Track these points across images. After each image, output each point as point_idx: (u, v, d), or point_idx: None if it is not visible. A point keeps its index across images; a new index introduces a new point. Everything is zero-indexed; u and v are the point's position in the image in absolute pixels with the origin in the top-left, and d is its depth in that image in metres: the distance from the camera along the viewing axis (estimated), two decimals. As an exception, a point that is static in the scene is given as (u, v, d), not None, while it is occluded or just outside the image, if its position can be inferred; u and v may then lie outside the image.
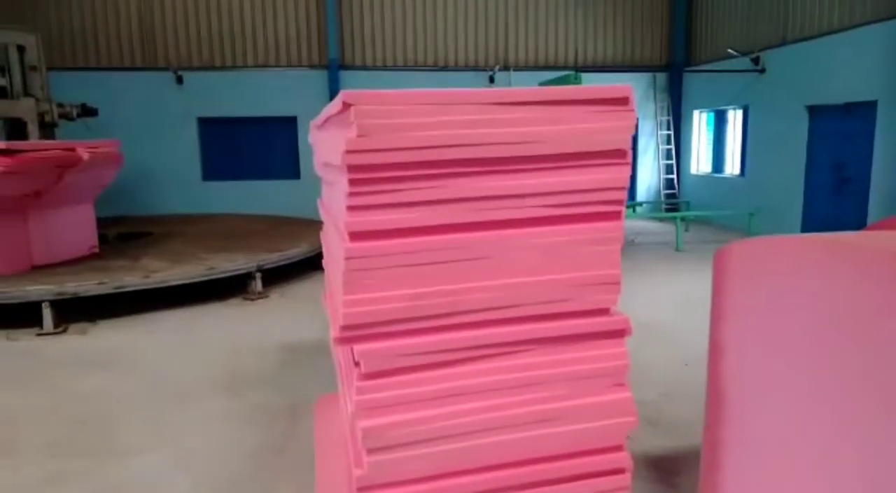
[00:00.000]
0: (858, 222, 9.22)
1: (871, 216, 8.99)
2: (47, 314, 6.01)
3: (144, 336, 6.00)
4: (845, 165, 9.60)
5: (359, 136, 2.05)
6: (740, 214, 11.12)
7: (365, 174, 2.09)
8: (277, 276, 7.93)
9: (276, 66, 13.88)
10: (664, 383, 4.57)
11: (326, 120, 2.82)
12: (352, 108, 2.05)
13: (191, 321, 6.48)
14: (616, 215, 2.38)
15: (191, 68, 13.68)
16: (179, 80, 13.57)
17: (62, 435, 3.86)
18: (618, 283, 2.39)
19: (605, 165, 2.31)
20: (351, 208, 2.12)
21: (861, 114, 9.16)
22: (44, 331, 6.02)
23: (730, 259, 2.46)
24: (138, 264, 7.09)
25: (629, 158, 2.35)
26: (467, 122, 2.14)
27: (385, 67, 14.01)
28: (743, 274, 2.41)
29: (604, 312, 2.41)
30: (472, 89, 2.15)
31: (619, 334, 2.43)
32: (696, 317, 6.72)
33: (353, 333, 2.20)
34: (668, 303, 6.95)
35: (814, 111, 10.16)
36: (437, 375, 2.26)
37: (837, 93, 9.52)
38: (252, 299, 7.17)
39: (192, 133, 13.77)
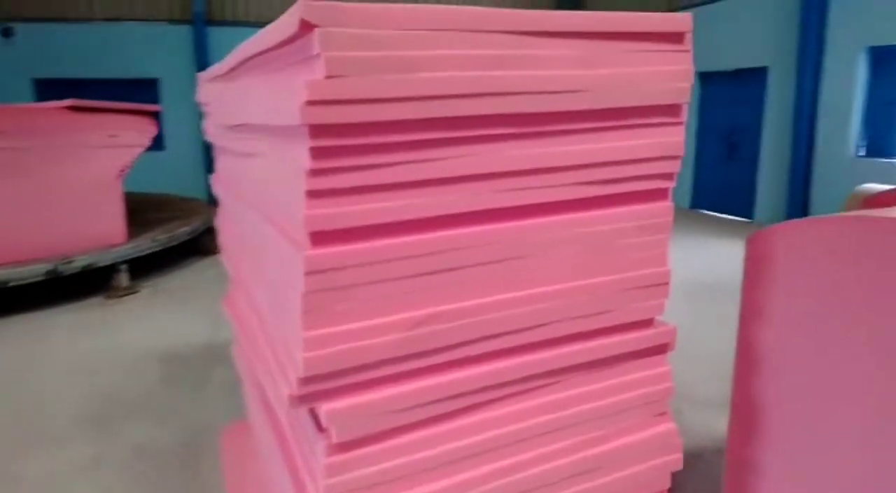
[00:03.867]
0: (748, 189, 9.47)
1: (761, 182, 9.25)
2: None
3: (-27, 354, 4.71)
4: (735, 131, 9.81)
5: (328, 77, 1.26)
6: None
7: (335, 139, 1.31)
8: (146, 267, 6.70)
9: (130, 20, 12.01)
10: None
11: (241, 64, 1.95)
12: (315, 31, 1.25)
13: (39, 331, 5.20)
14: (664, 194, 1.77)
15: (23, 19, 11.50)
16: (8, 33, 11.36)
17: None
18: (667, 283, 1.80)
19: (656, 126, 1.69)
20: (312, 195, 1.34)
21: (752, 80, 9.33)
22: None
23: (768, 246, 1.97)
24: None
25: (684, 116, 1.74)
26: (489, 59, 1.41)
27: (261, 24, 12.56)
28: (786, 263, 1.93)
29: (647, 323, 1.81)
30: (499, 9, 1.42)
31: (662, 349, 1.85)
32: None
33: (318, 387, 1.43)
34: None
35: (705, 78, 10.28)
36: (443, 431, 1.55)
37: (728, 60, 9.65)
38: (118, 297, 5.95)
39: (26, 98, 11.65)
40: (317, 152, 1.30)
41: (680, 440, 1.90)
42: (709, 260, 7.27)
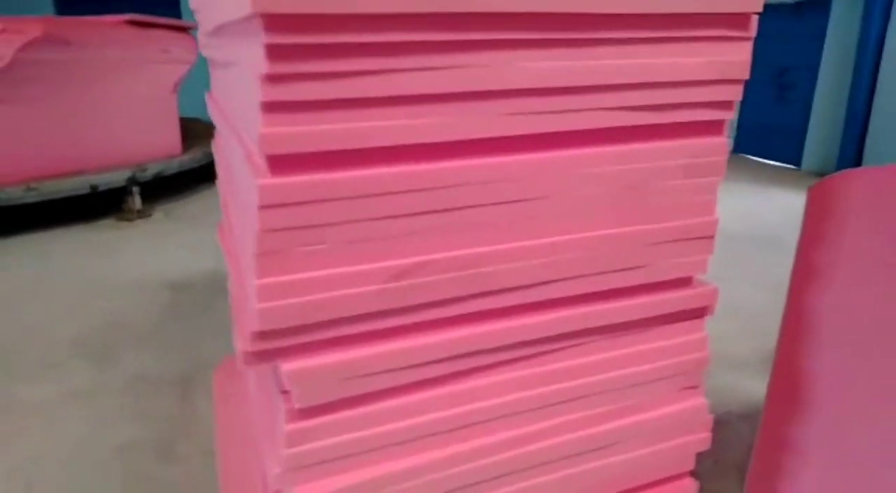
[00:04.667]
0: (798, 134, 8.86)
1: (813, 128, 8.62)
2: None
3: (-20, 272, 4.63)
4: (789, 70, 9.09)
5: (285, -55, 0.95)
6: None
7: (297, 36, 1.01)
8: (160, 190, 6.52)
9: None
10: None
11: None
12: None
13: (47, 250, 5.09)
14: (718, 128, 1.44)
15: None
16: (25, -59, 10.92)
17: None
18: (713, 235, 1.49)
19: (717, 41, 1.34)
20: (270, 108, 1.05)
21: (813, 14, 8.55)
22: None
23: (834, 196, 1.66)
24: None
25: (753, 30, 1.39)
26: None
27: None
28: (857, 216, 1.62)
29: (686, 282, 1.52)
30: None
31: (701, 312, 1.57)
32: None
33: (276, 343, 1.18)
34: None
35: (762, 10, 9.46)
36: (429, 398, 1.31)
37: (789, -10, 8.84)
38: (129, 220, 5.80)
39: (47, 9, 11.31)
40: (273, 52, 1.00)
41: (710, 417, 1.64)
42: (750, 209, 6.84)
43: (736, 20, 1.32)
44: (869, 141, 7.80)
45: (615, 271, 1.39)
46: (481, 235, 1.23)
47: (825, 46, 8.37)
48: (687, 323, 1.53)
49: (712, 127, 1.41)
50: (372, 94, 1.08)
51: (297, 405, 1.19)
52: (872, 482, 1.60)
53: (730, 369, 3.19)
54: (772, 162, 9.33)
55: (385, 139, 1.11)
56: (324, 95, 1.06)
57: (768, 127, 9.48)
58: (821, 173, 8.30)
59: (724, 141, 1.43)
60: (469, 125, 1.16)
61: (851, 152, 7.88)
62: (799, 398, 1.72)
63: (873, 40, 7.51)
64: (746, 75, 1.37)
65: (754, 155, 9.68)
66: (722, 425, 2.78)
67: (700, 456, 1.71)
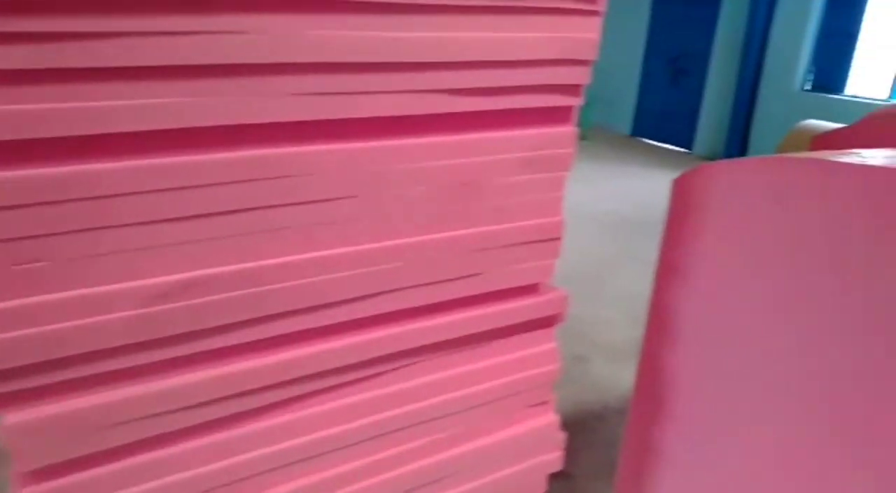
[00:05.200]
0: (691, 118, 9.11)
1: (704, 112, 8.88)
2: None
3: None
4: (683, 56, 9.31)
5: None
6: (576, 103, 10.62)
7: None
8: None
9: None
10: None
11: None
12: None
13: None
14: (565, 115, 1.26)
15: None
16: None
17: None
18: (559, 237, 1.32)
19: (561, 14, 1.15)
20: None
21: (705, 1, 8.75)
22: None
23: (695, 190, 1.55)
24: None
25: (602, 4, 1.21)
26: None
27: None
28: (716, 212, 1.52)
29: (531, 290, 1.35)
30: None
31: (550, 321, 1.41)
32: None
33: (-6, 387, 0.91)
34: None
35: (654, -5, 9.64)
36: (211, 444, 1.07)
37: (683, -24, 9.01)
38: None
39: None
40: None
41: (562, 435, 1.50)
42: (641, 193, 6.94)
43: (579, -9, 1.13)
44: (756, 123, 8.12)
45: (447, 281, 1.19)
46: (266, 244, 1.00)
47: (716, 34, 8.60)
48: (535, 334, 1.36)
49: (558, 115, 1.23)
50: (93, 63, 0.81)
51: (21, 469, 0.92)
52: (731, 484, 1.52)
53: (611, 361, 3.13)
54: (668, 146, 9.58)
55: (119, 123, 0.85)
56: (25, 63, 0.78)
57: (663, 111, 9.71)
58: (710, 157, 8.58)
59: (571, 131, 1.25)
60: (238, 108, 0.91)
61: (738, 137, 8.18)
62: (661, 399, 1.61)
63: (759, 29, 7.78)
64: (594, 55, 1.19)
65: (652, 139, 9.91)
66: (600, 421, 2.71)
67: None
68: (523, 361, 1.36)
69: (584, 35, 1.17)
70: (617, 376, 2.99)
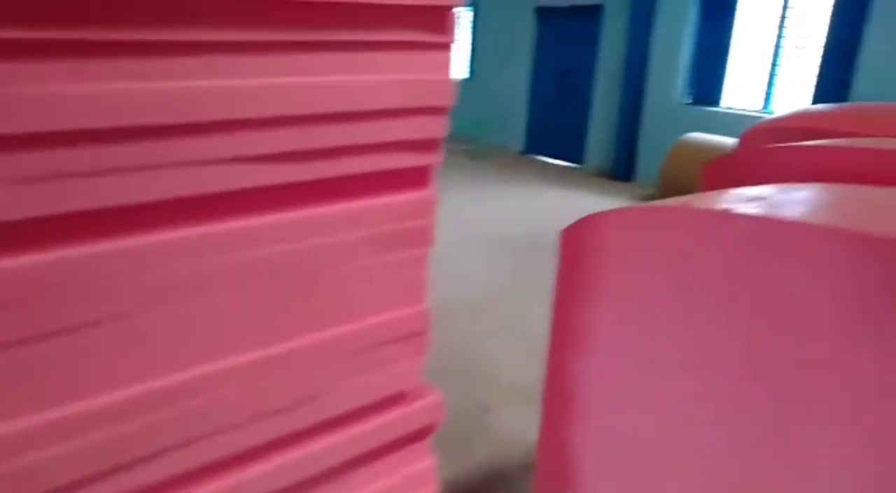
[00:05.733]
0: (580, 134, 9.25)
1: (592, 127, 9.04)
2: None
3: None
4: (569, 72, 9.45)
5: None
6: (468, 121, 10.58)
7: None
8: None
9: None
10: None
11: None
12: None
13: None
14: (423, 176, 0.98)
15: None
16: None
17: None
18: (426, 331, 1.04)
19: (408, 49, 0.87)
20: None
21: (587, 19, 8.93)
22: None
23: (585, 240, 1.37)
24: None
25: (453, 33, 0.94)
26: None
27: None
28: (607, 255, 1.34)
29: (398, 399, 1.05)
30: None
31: (423, 433, 1.12)
32: (444, 252, 5.28)
33: None
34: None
35: (541, 13, 9.75)
36: None
37: (564, -5, 9.17)
38: None
39: None
40: None
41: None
42: (536, 212, 6.88)
43: (429, 16, 0.86)
44: (642, 137, 8.31)
45: (277, 414, 0.87)
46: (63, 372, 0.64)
47: (599, 50, 8.79)
48: (405, 451, 1.07)
49: (412, 177, 0.95)
50: None
51: None
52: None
53: (515, 407, 2.89)
54: (560, 162, 9.67)
55: None
56: None
57: (553, 128, 9.82)
58: (600, 172, 8.74)
59: (430, 196, 0.98)
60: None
61: (625, 151, 8.35)
62: (565, 479, 1.39)
63: (639, 45, 7.98)
64: (450, 99, 0.93)
65: (544, 155, 9.98)
66: (501, 476, 2.46)
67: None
68: (392, 488, 1.06)
69: (435, 75, 0.90)
70: (522, 426, 2.75)
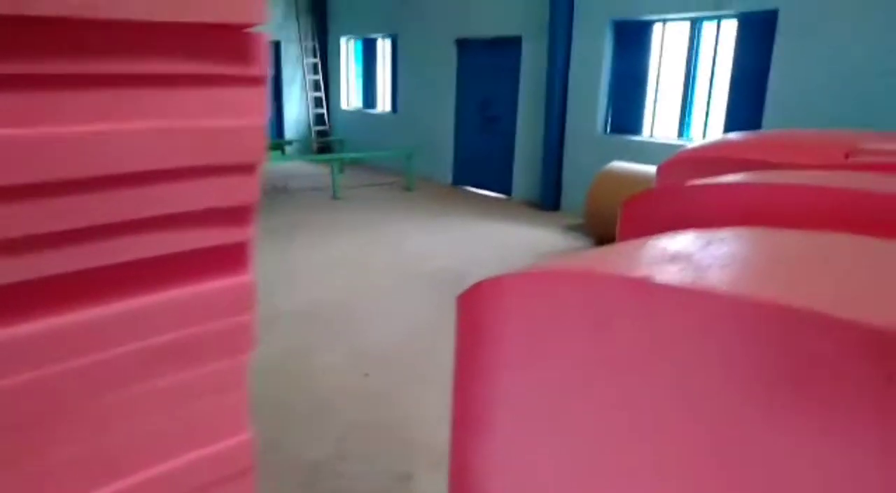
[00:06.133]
0: (506, 164, 9.21)
1: (519, 157, 9.01)
2: None
3: None
4: (493, 103, 9.44)
5: None
6: (397, 154, 10.39)
7: None
8: None
9: None
10: (342, 413, 3.17)
11: None
12: None
13: None
14: (238, 255, 0.72)
15: None
16: None
17: None
18: (251, 467, 0.77)
19: (209, 85, 0.62)
20: None
21: (507, 50, 8.95)
22: None
23: (478, 305, 1.16)
24: None
25: (265, 66, 0.70)
26: None
27: None
28: (503, 318, 1.13)
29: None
30: None
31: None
32: (374, 290, 5.22)
33: None
34: (335, 270, 5.61)
35: (462, 45, 9.74)
36: None
37: (485, 26, 9.17)
38: None
39: None
40: None
41: None
42: (466, 245, 6.70)
43: (231, 44, 0.62)
44: (565, 169, 8.32)
45: None
46: None
47: (520, 81, 8.81)
48: None
49: (222, 260, 0.69)
50: None
51: None
52: None
53: (437, 470, 2.61)
54: (487, 192, 9.59)
55: None
56: None
57: (480, 159, 9.75)
58: (528, 202, 8.69)
59: (247, 283, 0.72)
60: None
61: (552, 181, 8.33)
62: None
63: (560, 71, 8.02)
64: (261, 154, 0.68)
65: (472, 186, 9.88)
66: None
67: None
68: None
69: (243, 121, 0.65)
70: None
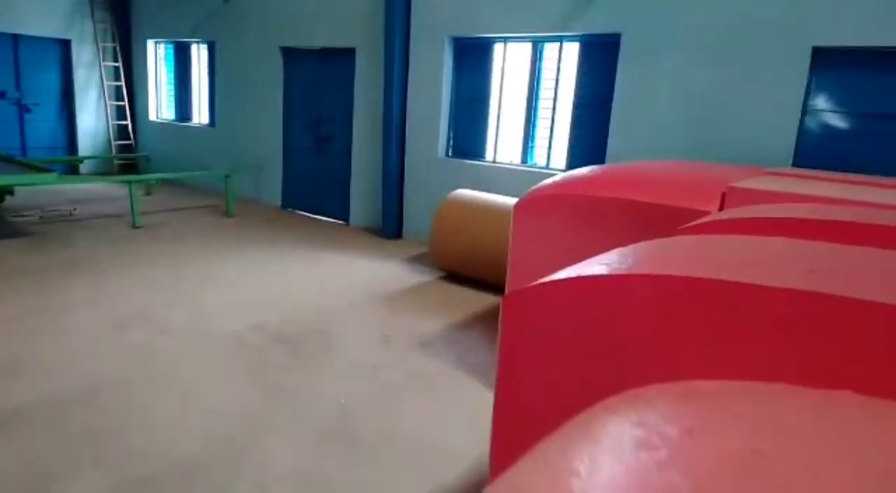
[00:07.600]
0: (343, 187, 8.35)
1: (356, 180, 8.19)
2: None
3: None
4: (325, 120, 8.53)
5: None
6: (216, 175, 9.09)
7: None
8: None
9: None
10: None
11: None
12: None
13: None
14: None
15: None
16: None
17: None
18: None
19: None
20: None
21: (340, 63, 8.12)
22: None
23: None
24: None
25: None
26: None
27: None
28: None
29: None
30: None
31: None
32: (167, 363, 3.56)
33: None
34: (117, 335, 4.37)
35: (289, 55, 8.75)
36: None
37: (315, 35, 8.27)
38: None
39: None
40: None
41: None
42: (295, 291, 5.74)
43: None
44: (407, 194, 7.65)
45: None
46: None
47: (355, 96, 8.02)
48: None
49: None
50: None
51: None
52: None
53: None
54: (322, 218, 8.65)
55: None
56: None
57: (313, 181, 8.79)
58: (368, 229, 7.90)
59: None
60: None
61: (392, 209, 7.62)
62: None
63: (398, 93, 7.35)
64: None
65: (304, 211, 8.88)
66: None
67: None
68: None
69: None
70: None
